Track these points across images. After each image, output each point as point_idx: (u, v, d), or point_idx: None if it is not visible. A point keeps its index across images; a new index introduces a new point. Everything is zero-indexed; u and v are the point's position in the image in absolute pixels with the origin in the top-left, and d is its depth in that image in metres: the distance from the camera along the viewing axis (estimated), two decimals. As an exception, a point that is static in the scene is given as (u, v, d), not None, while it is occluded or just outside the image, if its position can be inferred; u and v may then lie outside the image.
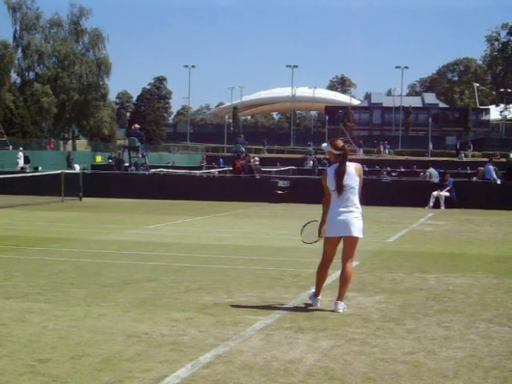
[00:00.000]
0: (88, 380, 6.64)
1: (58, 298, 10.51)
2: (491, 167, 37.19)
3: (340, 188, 9.96)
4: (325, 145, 10.46)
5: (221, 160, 66.95)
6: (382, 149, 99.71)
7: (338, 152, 10.07)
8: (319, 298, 10.29)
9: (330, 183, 10.02)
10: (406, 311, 9.96)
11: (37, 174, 38.65)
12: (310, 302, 10.32)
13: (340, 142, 10.20)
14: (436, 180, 36.30)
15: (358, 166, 10.26)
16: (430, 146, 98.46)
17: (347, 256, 10.21)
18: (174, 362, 7.26)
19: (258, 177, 38.91)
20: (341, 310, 9.84)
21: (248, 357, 7.49)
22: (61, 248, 16.53)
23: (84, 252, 15.93)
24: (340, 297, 10.04)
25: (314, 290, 10.37)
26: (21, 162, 54.50)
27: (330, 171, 10.06)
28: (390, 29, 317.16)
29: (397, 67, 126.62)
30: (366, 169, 56.23)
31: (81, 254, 15.63)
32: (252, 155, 50.01)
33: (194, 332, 8.52)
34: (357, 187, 10.16)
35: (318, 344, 8.07)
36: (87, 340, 8.09)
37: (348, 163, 10.06)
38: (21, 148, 59.77)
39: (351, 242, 10.18)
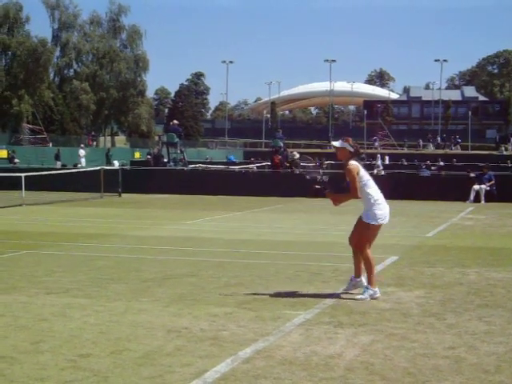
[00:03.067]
0: (128, 375, 6.68)
1: (98, 294, 10.58)
2: None
3: None
4: (338, 142, 10.80)
5: (231, 157, 66.76)
6: (452, 145, 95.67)
7: (353, 149, 10.59)
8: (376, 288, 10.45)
9: (365, 173, 10.62)
10: (446, 306, 9.89)
11: (77, 170, 38.96)
12: (376, 296, 10.36)
13: (355, 143, 10.77)
14: None
15: None
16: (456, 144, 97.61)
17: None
18: (213, 356, 7.27)
19: (298, 172, 38.82)
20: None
21: (288, 352, 7.48)
22: (100, 244, 16.65)
23: (123, 247, 16.02)
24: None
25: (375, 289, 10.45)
26: (83, 161, 55.03)
27: (360, 164, 10.66)
28: (429, 22, 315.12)
29: (436, 60, 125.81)
30: (406, 163, 55.99)
31: (120, 249, 15.72)
32: (290, 150, 49.88)
33: (233, 327, 8.53)
34: None
35: (357, 339, 8.04)
36: (127, 335, 8.13)
37: None
38: (82, 145, 60.23)
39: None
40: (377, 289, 10.41)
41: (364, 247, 10.57)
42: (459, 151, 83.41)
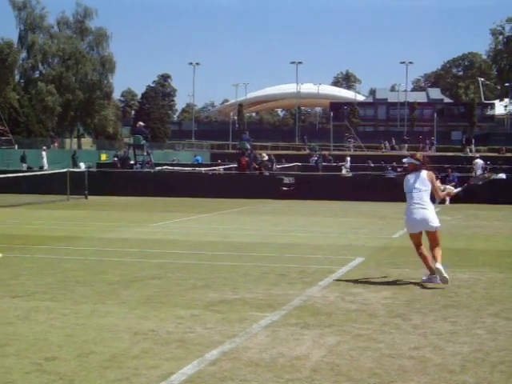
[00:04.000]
0: (94, 378, 6.65)
1: (64, 297, 10.53)
2: (481, 161, 38.05)
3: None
4: (406, 159, 12.75)
5: (198, 158, 66.58)
6: (427, 146, 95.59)
7: (418, 162, 12.31)
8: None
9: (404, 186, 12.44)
10: (412, 307, 9.96)
11: (43, 173, 38.71)
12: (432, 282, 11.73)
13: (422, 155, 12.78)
14: (479, 171, 36.93)
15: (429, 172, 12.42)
16: (431, 146, 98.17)
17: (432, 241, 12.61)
18: (180, 359, 7.27)
19: (267, 173, 38.87)
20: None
21: (254, 353, 7.49)
22: (67, 246, 16.56)
23: (90, 250, 15.95)
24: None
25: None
26: (44, 162, 54.78)
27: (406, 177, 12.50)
28: (395, 24, 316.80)
29: (401, 62, 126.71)
30: (372, 165, 56.29)
31: (87, 252, 15.65)
32: (258, 152, 49.93)
33: (200, 329, 8.53)
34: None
35: (323, 340, 8.07)
36: (93, 338, 8.10)
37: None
38: (44, 147, 59.90)
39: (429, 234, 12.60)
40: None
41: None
42: (433, 153, 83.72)
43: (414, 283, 11.86)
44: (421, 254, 12.17)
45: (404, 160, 12.97)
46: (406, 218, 12.22)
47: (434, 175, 12.43)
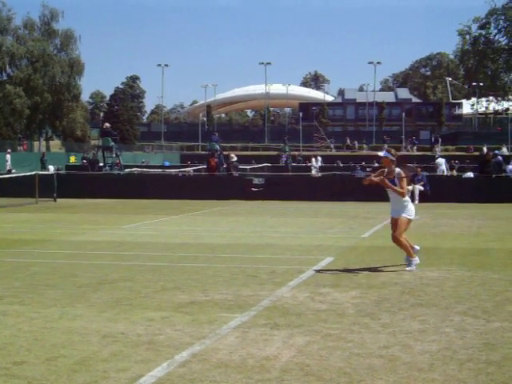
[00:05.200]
0: (63, 381, 6.63)
1: (32, 300, 10.47)
2: (442, 160, 38.51)
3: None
4: (383, 152, 13.50)
5: (166, 163, 66.43)
6: (409, 146, 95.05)
7: (394, 158, 13.19)
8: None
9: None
10: (381, 306, 10.01)
11: (10, 175, 38.44)
12: (413, 268, 13.10)
13: (396, 153, 13.55)
14: (441, 171, 37.41)
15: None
16: (384, 147, 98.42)
17: None
18: (149, 361, 7.26)
19: (237, 174, 38.86)
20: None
21: (224, 355, 7.50)
22: (35, 249, 16.46)
23: (59, 253, 15.86)
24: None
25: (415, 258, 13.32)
26: (9, 165, 54.33)
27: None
28: (363, 24, 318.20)
29: (369, 63, 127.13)
30: (341, 165, 56.43)
31: (56, 255, 15.56)
32: (227, 152, 49.92)
33: (169, 331, 8.52)
34: None
35: (293, 340, 8.09)
36: (62, 341, 8.07)
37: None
38: (8, 150, 59.46)
39: None
40: (416, 257, 13.32)
41: (399, 235, 13.19)
42: (414, 152, 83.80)
43: (384, 282, 11.92)
44: (405, 244, 13.27)
45: (380, 153, 13.51)
46: (413, 207, 13.49)
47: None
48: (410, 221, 13.35)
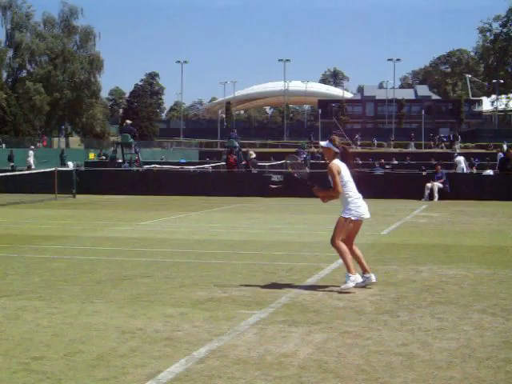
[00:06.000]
0: (82, 377, 6.65)
1: (51, 296, 10.51)
2: (461, 158, 38.32)
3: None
4: (325, 142, 11.42)
5: (182, 160, 66.49)
6: (438, 143, 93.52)
7: (338, 150, 11.20)
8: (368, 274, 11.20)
9: (346, 173, 11.15)
10: (399, 303, 9.97)
11: (30, 172, 38.63)
12: (362, 284, 11.06)
13: (340, 143, 11.37)
14: (460, 170, 37.25)
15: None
16: (412, 144, 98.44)
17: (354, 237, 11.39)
18: (168, 357, 7.27)
19: (255, 171, 38.84)
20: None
21: (242, 351, 7.50)
22: (54, 246, 16.53)
23: (78, 249, 15.92)
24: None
25: (355, 274, 11.03)
26: (31, 161, 54.62)
27: (342, 164, 11.16)
28: (383, 21, 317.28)
29: (389, 60, 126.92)
30: (360, 162, 56.31)
31: (75, 251, 15.62)
32: (246, 149, 49.90)
33: (188, 327, 8.53)
34: None
35: (311, 337, 8.08)
36: (81, 337, 8.09)
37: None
38: (32, 146, 59.70)
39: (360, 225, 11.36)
40: (357, 274, 11.03)
41: (336, 238, 11.11)
42: (443, 150, 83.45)
43: (402, 280, 11.87)
44: (345, 251, 11.07)
45: (323, 143, 11.55)
46: (358, 206, 11.11)
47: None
48: (349, 221, 11.03)
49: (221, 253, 15.30)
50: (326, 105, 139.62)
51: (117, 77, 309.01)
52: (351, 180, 11.24)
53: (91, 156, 72.83)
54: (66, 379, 6.58)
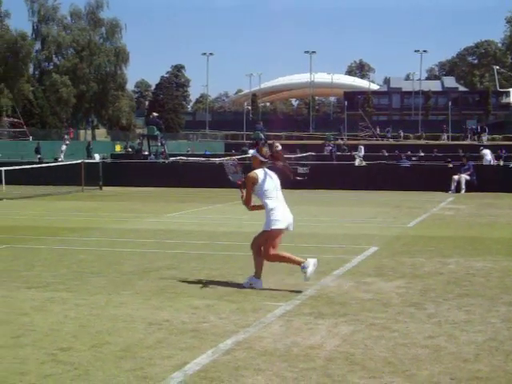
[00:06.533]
0: (109, 368, 6.68)
1: (78, 287, 10.57)
2: (487, 151, 38.09)
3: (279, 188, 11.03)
4: (252, 151, 11.39)
5: (206, 152, 66.45)
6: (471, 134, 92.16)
7: (264, 159, 11.02)
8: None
9: (269, 182, 10.90)
10: (426, 296, 9.94)
11: (57, 164, 38.85)
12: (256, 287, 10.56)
13: (268, 152, 11.16)
14: (487, 162, 37.11)
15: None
16: (445, 136, 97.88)
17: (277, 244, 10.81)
18: (194, 348, 7.29)
19: (281, 163, 38.72)
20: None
21: (268, 343, 7.50)
22: (81, 237, 16.62)
23: (104, 241, 16.00)
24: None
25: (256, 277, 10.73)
26: (62, 155, 54.78)
27: (265, 173, 10.96)
28: (409, 12, 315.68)
29: (416, 51, 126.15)
30: (386, 154, 56.04)
31: (101, 242, 15.70)
32: (272, 141, 49.82)
33: (214, 319, 8.55)
34: None
35: (338, 329, 8.07)
36: (108, 328, 8.14)
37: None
38: (67, 142, 59.70)
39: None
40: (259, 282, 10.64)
41: (267, 252, 10.71)
42: (481, 142, 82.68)
43: (429, 272, 11.83)
44: (282, 256, 10.78)
45: (250, 152, 11.59)
46: (280, 213, 10.70)
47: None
48: (274, 232, 10.64)
49: (247, 245, 15.21)
50: (352, 97, 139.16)
51: (143, 69, 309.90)
52: (276, 188, 11.00)
53: (117, 148, 73.04)
54: (93, 370, 6.61)
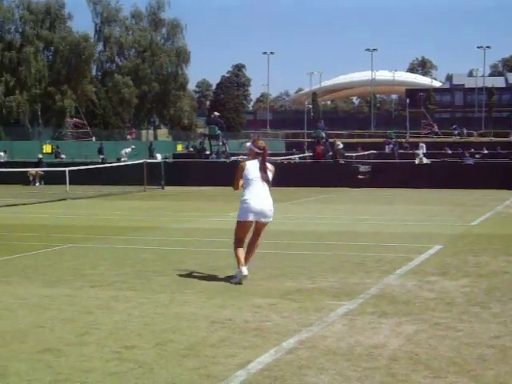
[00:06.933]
0: (173, 366, 6.71)
1: (142, 286, 10.66)
2: None
3: (264, 179, 11.36)
4: (249, 144, 12.05)
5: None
6: None
7: (259, 151, 11.40)
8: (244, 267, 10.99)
9: (253, 173, 11.26)
10: (491, 295, 9.80)
11: (119, 164, 39.25)
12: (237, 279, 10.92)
13: (262, 143, 11.67)
14: None
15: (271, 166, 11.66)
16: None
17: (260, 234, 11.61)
18: (257, 347, 7.29)
19: (343, 162, 38.65)
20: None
21: (331, 342, 7.47)
22: (144, 236, 16.75)
23: (167, 240, 16.10)
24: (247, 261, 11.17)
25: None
26: (125, 157, 55.14)
27: (253, 163, 11.35)
28: (471, 8, 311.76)
29: (479, 47, 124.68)
30: (450, 151, 55.40)
31: (164, 242, 15.81)
32: (333, 139, 49.65)
33: (276, 318, 8.54)
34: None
35: (401, 329, 8.01)
36: (172, 327, 8.18)
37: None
38: (133, 146, 59.97)
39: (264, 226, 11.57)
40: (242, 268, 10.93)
41: (234, 243, 11.30)
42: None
43: (494, 271, 11.66)
44: (236, 250, 11.22)
45: (247, 144, 12.48)
46: (246, 205, 11.17)
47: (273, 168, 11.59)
48: (239, 223, 11.31)
49: (308, 243, 15.28)
50: (414, 94, 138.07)
51: (204, 69, 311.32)
52: (255, 180, 11.28)
53: (179, 148, 73.56)
54: (158, 368, 6.65)
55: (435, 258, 13.04)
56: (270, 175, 11.47)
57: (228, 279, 11.07)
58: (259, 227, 11.45)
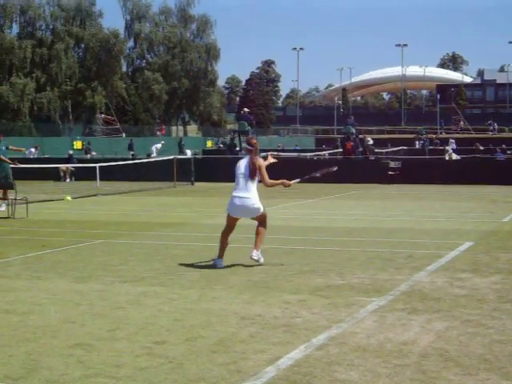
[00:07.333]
0: (203, 361, 6.73)
1: (172, 282, 10.69)
2: None
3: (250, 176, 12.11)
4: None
5: (296, 147, 65.95)
6: None
7: (249, 147, 12.34)
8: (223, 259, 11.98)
9: (240, 168, 12.21)
10: (523, 292, 9.74)
11: (149, 160, 39.39)
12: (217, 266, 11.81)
13: (253, 140, 12.57)
14: None
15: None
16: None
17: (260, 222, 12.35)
18: (287, 343, 7.29)
19: (373, 158, 38.52)
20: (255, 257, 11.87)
21: (361, 338, 7.45)
22: (174, 232, 16.80)
23: (197, 236, 16.14)
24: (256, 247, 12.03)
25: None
26: (155, 153, 55.22)
27: (240, 161, 12.34)
28: (502, 3, 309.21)
29: (510, 42, 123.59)
30: (481, 147, 54.95)
31: (194, 237, 15.85)
32: (363, 135, 49.47)
33: (306, 314, 8.54)
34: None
35: (432, 325, 7.97)
36: (201, 322, 8.20)
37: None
38: (162, 142, 60.05)
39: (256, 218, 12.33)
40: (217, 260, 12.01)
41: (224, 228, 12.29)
42: None
43: (525, 268, 11.58)
44: (223, 240, 12.21)
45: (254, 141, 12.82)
46: (231, 201, 12.12)
47: (262, 162, 12.36)
48: (228, 215, 12.27)
49: (338, 240, 15.26)
50: (445, 89, 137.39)
51: (233, 65, 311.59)
52: (239, 177, 12.10)
53: (209, 144, 73.70)
54: (187, 363, 6.67)
55: (466, 255, 12.96)
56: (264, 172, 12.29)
57: (257, 275, 11.08)
58: (253, 219, 12.25)
